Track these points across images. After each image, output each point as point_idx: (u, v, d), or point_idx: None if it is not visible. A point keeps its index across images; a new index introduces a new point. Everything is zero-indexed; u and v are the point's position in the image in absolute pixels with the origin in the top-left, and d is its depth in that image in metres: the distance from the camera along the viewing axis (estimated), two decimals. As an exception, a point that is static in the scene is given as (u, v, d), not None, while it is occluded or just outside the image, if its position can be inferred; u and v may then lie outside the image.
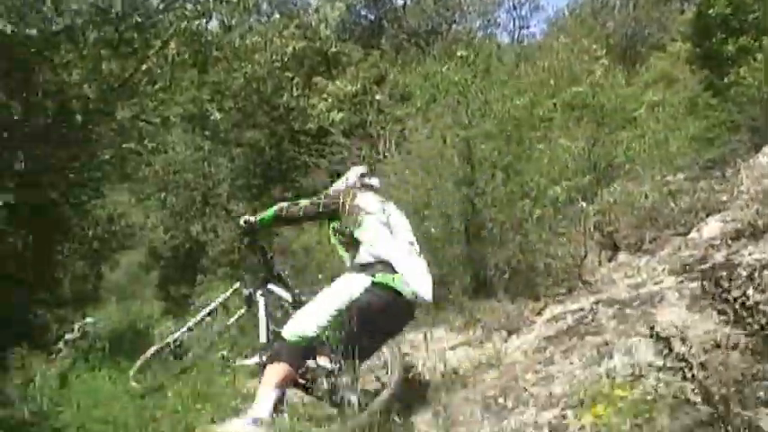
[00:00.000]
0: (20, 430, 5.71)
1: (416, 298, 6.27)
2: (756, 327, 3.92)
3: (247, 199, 20.42)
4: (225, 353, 7.86)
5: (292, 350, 5.90)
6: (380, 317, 6.01)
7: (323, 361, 6.02)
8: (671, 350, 3.69)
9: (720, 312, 4.03)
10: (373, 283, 6.07)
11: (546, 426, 6.19)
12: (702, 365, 3.96)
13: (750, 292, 3.96)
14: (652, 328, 3.92)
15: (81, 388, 6.68)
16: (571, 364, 7.15)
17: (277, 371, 5.86)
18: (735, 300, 3.90)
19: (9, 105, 9.50)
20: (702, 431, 3.72)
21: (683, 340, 3.82)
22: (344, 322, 5.75)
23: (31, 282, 10.51)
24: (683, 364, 3.66)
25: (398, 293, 6.13)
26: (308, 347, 5.89)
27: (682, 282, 7.70)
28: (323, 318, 5.86)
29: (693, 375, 3.62)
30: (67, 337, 11.46)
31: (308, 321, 5.92)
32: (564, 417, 6.45)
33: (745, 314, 3.88)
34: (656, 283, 8.11)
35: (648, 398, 5.27)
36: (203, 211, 21.86)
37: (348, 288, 6.04)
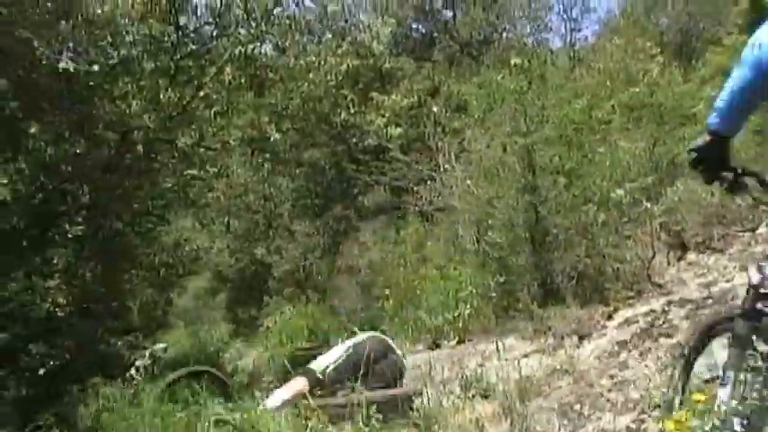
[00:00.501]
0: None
1: None
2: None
3: (309, 218, 20.51)
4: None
5: None
6: None
7: None
8: (755, 349, 3.57)
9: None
10: None
11: (624, 431, 6.14)
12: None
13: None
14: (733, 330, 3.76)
15: (155, 414, 6.72)
16: (646, 367, 7.08)
17: None
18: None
19: (73, 139, 9.63)
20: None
21: (766, 340, 3.71)
22: None
23: (101, 311, 10.62)
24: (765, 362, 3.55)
25: None
26: None
27: (754, 277, 7.60)
28: None
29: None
30: (138, 363, 11.57)
31: None
32: (642, 421, 6.39)
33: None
34: (727, 281, 8.02)
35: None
36: (267, 232, 21.98)
37: None
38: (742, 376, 4.10)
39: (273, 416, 6.84)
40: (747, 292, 4.30)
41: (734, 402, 4.05)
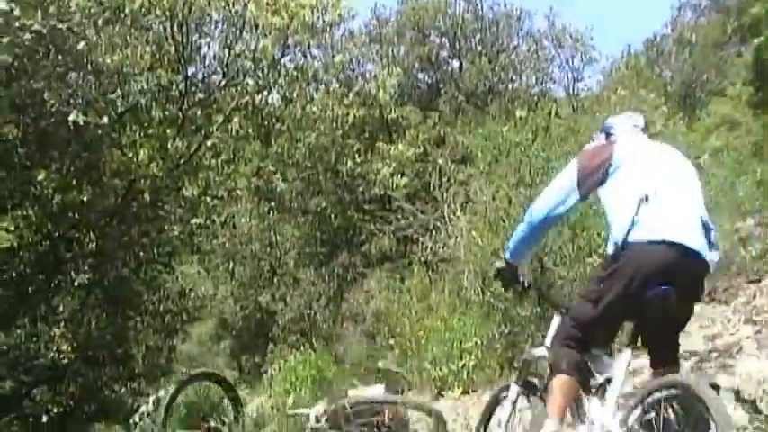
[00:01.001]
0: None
1: None
2: None
3: (315, 266, 20.52)
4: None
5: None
6: None
7: None
8: (758, 411, 3.61)
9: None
10: None
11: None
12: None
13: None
14: (738, 393, 3.79)
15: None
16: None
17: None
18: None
19: (80, 187, 9.68)
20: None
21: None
22: None
23: (105, 358, 10.64)
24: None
25: None
26: None
27: (759, 331, 7.61)
28: None
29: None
30: (142, 410, 11.56)
31: None
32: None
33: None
34: (731, 334, 8.02)
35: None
36: (272, 280, 21.98)
37: None
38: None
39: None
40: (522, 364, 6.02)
41: None
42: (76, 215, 9.76)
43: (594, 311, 5.19)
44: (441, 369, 10.85)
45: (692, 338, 8.40)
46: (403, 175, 17.79)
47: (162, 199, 10.71)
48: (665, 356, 5.44)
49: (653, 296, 4.95)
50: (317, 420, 7.56)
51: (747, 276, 9.45)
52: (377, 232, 18.10)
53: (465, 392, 10.44)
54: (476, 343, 10.68)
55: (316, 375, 13.03)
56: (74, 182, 9.73)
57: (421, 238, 15.13)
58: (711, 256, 5.05)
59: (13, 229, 9.24)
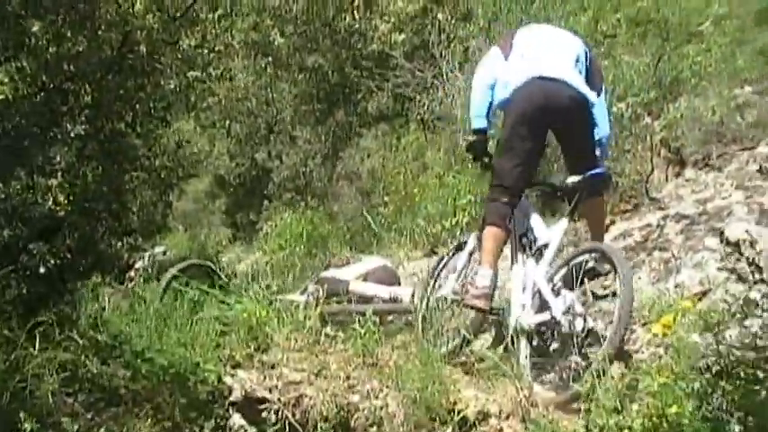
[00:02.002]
0: (99, 355, 5.85)
1: None
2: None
3: (311, 124, 20.43)
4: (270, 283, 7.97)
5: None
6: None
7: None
8: (741, 254, 3.71)
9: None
10: None
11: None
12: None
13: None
14: (722, 233, 3.92)
15: (155, 313, 6.83)
16: (639, 279, 7.19)
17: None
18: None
19: (74, 39, 9.58)
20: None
21: (752, 244, 3.83)
22: None
23: (102, 212, 10.67)
24: (753, 268, 3.68)
25: None
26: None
27: (750, 196, 7.67)
28: None
29: (762, 279, 3.64)
30: (138, 265, 11.65)
31: None
32: (632, 331, 6.51)
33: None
34: (723, 198, 8.09)
35: (716, 309, 5.30)
36: (268, 137, 21.88)
37: None
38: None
39: (272, 312, 7.01)
40: None
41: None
42: (72, 67, 9.65)
43: (505, 159, 6.80)
44: (434, 226, 10.95)
45: (684, 202, 8.48)
46: (402, 31, 17.60)
47: (158, 51, 10.58)
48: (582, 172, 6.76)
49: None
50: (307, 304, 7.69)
51: (741, 143, 9.48)
52: (374, 90, 17.99)
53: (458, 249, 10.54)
54: (469, 200, 10.77)
55: (311, 232, 13.11)
56: (68, 33, 9.61)
57: (418, 97, 15.08)
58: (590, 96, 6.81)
59: (7, 81, 9.15)
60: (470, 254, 7.34)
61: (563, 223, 6.85)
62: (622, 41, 11.97)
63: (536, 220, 6.95)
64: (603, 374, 4.99)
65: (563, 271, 6.41)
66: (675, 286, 6.84)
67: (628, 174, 9.92)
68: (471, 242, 7.39)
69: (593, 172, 6.72)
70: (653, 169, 9.76)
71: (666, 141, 10.08)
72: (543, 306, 6.30)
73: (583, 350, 5.86)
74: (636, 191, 9.66)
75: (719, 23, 12.90)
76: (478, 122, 7.23)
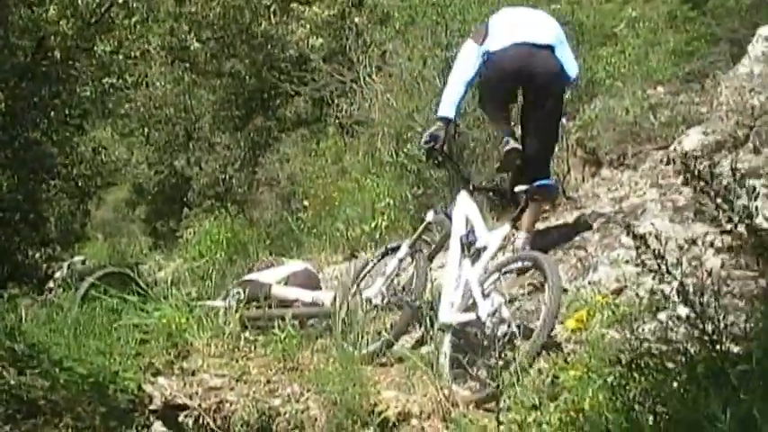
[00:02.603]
0: (16, 366, 5.76)
1: None
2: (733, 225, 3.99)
3: (230, 130, 20.35)
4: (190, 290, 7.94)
5: None
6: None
7: None
8: (647, 246, 3.77)
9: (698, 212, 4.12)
10: None
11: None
12: (678, 262, 4.05)
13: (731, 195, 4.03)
14: (628, 226, 4.00)
15: (74, 321, 6.75)
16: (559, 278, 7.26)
17: None
18: (716, 202, 3.96)
19: (-14, 45, 9.47)
20: (681, 330, 3.81)
21: (657, 238, 3.91)
22: None
23: (18, 221, 10.54)
24: (660, 260, 3.75)
25: None
26: None
27: (664, 194, 7.81)
28: None
29: (669, 271, 3.70)
30: (57, 275, 11.51)
31: None
32: (552, 328, 6.59)
33: (724, 214, 3.95)
34: (638, 197, 8.23)
35: (630, 305, 5.40)
36: (187, 144, 21.77)
37: None
38: None
39: (192, 318, 6.97)
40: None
41: None
42: (-17, 75, 9.53)
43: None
44: (354, 230, 10.96)
45: (599, 201, 8.60)
46: (319, 36, 17.63)
47: (73, 57, 10.50)
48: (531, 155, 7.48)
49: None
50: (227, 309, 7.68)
51: (655, 143, 9.63)
52: (293, 94, 17.99)
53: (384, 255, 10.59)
54: (389, 203, 10.79)
55: (231, 238, 13.06)
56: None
57: (336, 101, 15.11)
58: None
59: None
60: (400, 260, 7.45)
61: (505, 228, 6.97)
62: (539, 44, 12.10)
63: (478, 222, 7.00)
64: (523, 372, 5.04)
65: (495, 275, 6.52)
66: (591, 283, 6.94)
67: (546, 174, 10.04)
68: (404, 249, 7.49)
69: (542, 183, 7.11)
70: (569, 169, 9.89)
71: (582, 141, 10.19)
72: (471, 306, 6.36)
73: (503, 353, 5.91)
74: (553, 191, 9.79)
75: (633, 26, 13.11)
76: (445, 110, 7.49)
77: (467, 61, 7.49)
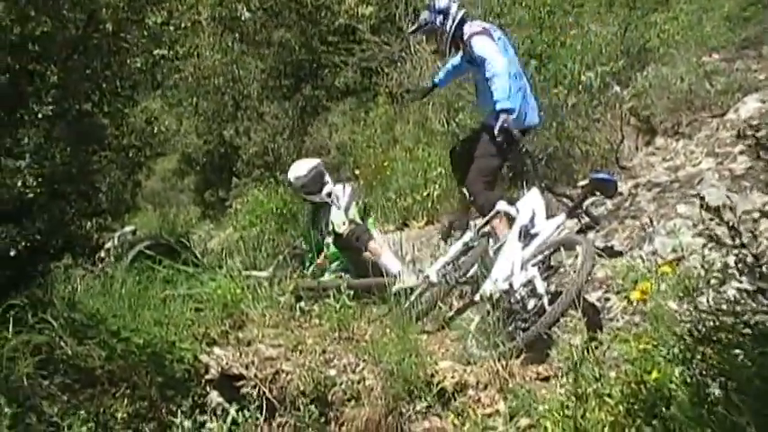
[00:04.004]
0: (75, 336, 5.81)
1: None
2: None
3: (278, 100, 20.30)
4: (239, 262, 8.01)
5: None
6: None
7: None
8: (721, 220, 3.68)
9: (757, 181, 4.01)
10: None
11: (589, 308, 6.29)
12: (752, 233, 3.97)
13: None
14: (702, 198, 3.90)
15: (129, 292, 6.78)
16: (612, 248, 7.22)
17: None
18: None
19: (39, 18, 9.48)
20: (744, 301, 3.75)
21: (732, 209, 3.81)
22: None
23: (71, 193, 10.59)
24: (733, 232, 3.66)
25: None
26: None
27: (721, 163, 7.70)
28: None
29: (743, 243, 3.62)
30: (108, 245, 11.57)
31: None
32: (607, 299, 6.55)
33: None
34: (693, 166, 8.12)
35: (692, 275, 5.33)
36: (235, 114, 21.74)
37: None
38: None
39: (247, 288, 7.02)
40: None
41: None
42: (37, 47, 9.55)
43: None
44: (405, 199, 10.94)
45: (655, 171, 8.50)
46: (368, 4, 17.51)
47: (124, 29, 10.48)
48: None
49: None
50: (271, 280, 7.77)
51: (711, 111, 9.51)
52: (341, 65, 17.92)
53: (429, 222, 10.58)
54: (440, 173, 10.77)
55: (281, 207, 13.05)
56: (32, 13, 9.50)
57: (386, 70, 15.04)
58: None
59: (-29, 61, 9.05)
60: (465, 243, 7.72)
61: (560, 218, 7.31)
62: (590, 11, 12.00)
63: (541, 215, 7.41)
64: (584, 344, 5.01)
65: (540, 256, 6.86)
66: (648, 253, 6.88)
67: (598, 143, 9.95)
68: (468, 234, 7.77)
69: (601, 176, 7.40)
70: (623, 138, 9.79)
71: (636, 110, 10.11)
72: (509, 277, 6.70)
73: (529, 319, 6.27)
74: (606, 160, 9.70)
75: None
76: (506, 103, 8.14)
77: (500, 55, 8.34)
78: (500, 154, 8.40)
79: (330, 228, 9.05)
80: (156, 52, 11.53)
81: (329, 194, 9.24)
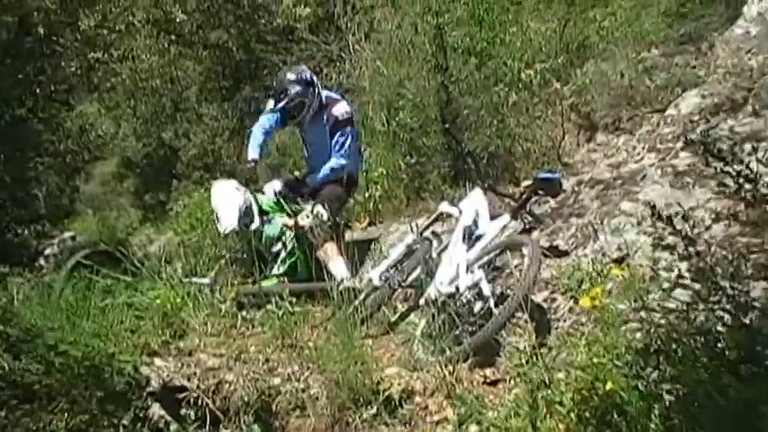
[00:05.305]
0: (11, 351, 5.65)
1: None
2: (754, 197, 3.85)
3: (217, 101, 20.17)
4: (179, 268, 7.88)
5: None
6: None
7: None
8: (675, 229, 3.62)
9: (720, 185, 3.93)
10: None
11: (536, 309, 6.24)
12: (705, 241, 3.93)
13: (753, 162, 3.88)
14: (653, 207, 3.82)
15: (67, 302, 6.62)
16: (556, 248, 7.17)
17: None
18: (737, 171, 3.80)
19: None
20: (696, 308, 3.70)
21: (686, 218, 3.75)
22: None
23: (6, 200, 10.42)
24: (687, 241, 3.60)
25: None
26: None
27: (663, 159, 7.69)
28: None
29: (697, 252, 3.56)
30: (47, 252, 11.39)
31: None
32: (554, 300, 6.50)
33: (746, 185, 3.79)
34: (636, 162, 8.11)
35: (641, 276, 5.29)
36: (174, 116, 21.57)
37: None
38: None
39: (187, 296, 6.91)
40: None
41: None
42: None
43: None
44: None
45: (597, 167, 8.49)
46: (306, 4, 17.43)
47: (57, 33, 10.34)
48: None
49: None
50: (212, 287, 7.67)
51: (651, 106, 9.53)
52: (280, 64, 17.80)
53: (371, 223, 10.51)
54: (381, 173, 10.70)
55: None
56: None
57: (325, 70, 14.95)
58: None
59: None
60: (408, 246, 7.70)
61: (503, 219, 7.21)
62: (528, 7, 12.00)
63: (484, 216, 7.29)
64: (532, 349, 4.96)
65: (485, 258, 6.73)
66: (593, 251, 6.84)
67: (539, 140, 9.95)
68: (411, 236, 7.73)
69: (546, 176, 7.30)
70: (564, 135, 9.80)
71: (576, 106, 10.12)
72: (454, 280, 6.55)
73: (475, 323, 6.15)
74: (548, 157, 9.70)
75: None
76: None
77: None
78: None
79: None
80: (90, 56, 11.38)
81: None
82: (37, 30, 9.92)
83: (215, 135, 19.74)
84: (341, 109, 8.93)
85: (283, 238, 8.75)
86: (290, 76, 8.90)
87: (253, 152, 9.10)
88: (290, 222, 8.62)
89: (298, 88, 8.78)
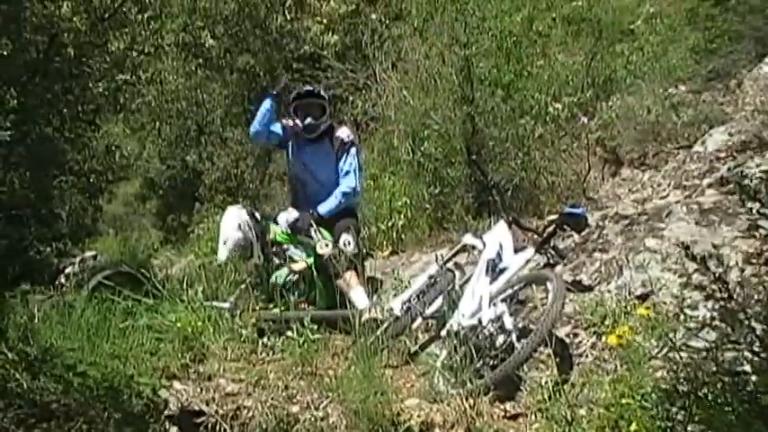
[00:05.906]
0: (29, 370, 5.64)
1: None
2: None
3: (242, 125, 20.20)
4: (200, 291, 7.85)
5: None
6: None
7: None
8: (707, 268, 3.56)
9: (752, 226, 3.87)
10: None
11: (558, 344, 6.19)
12: (739, 283, 3.88)
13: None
14: (687, 248, 3.75)
15: (87, 323, 6.61)
16: (580, 282, 7.13)
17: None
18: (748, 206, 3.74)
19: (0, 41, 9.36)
20: (725, 348, 3.65)
21: (719, 259, 3.69)
22: None
23: (30, 218, 10.45)
24: (719, 282, 3.54)
25: None
26: None
27: (689, 196, 7.64)
28: None
29: (730, 296, 3.50)
30: (68, 271, 11.40)
31: None
32: (576, 335, 6.45)
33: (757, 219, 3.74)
34: (661, 198, 8.06)
35: (666, 315, 5.24)
36: (198, 139, 21.63)
37: None
38: None
39: (208, 320, 6.89)
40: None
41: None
42: (-3, 70, 9.44)
43: None
44: (370, 228, 10.85)
45: (622, 203, 8.44)
46: (334, 32, 17.49)
47: (86, 54, 10.40)
48: None
49: None
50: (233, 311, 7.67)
51: (677, 142, 9.50)
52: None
53: (394, 252, 10.48)
54: (405, 202, 10.69)
55: (243, 235, 12.89)
56: (-7, 35, 9.38)
57: (351, 97, 14.97)
58: None
59: (-71, 84, 8.91)
60: (431, 277, 7.66)
61: (528, 252, 7.17)
62: (556, 40, 11.99)
63: (508, 249, 7.25)
64: (555, 386, 4.92)
65: (509, 291, 6.73)
66: (620, 288, 6.79)
67: (564, 173, 9.92)
68: (434, 267, 7.65)
69: (571, 211, 7.27)
70: (589, 169, 9.77)
71: (602, 141, 10.10)
72: (476, 313, 6.59)
73: (498, 356, 6.10)
74: (573, 191, 9.67)
75: (651, 22, 12.96)
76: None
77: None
78: None
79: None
80: (118, 77, 11.44)
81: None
82: (67, 50, 9.97)
83: (238, 159, 19.79)
84: (345, 132, 8.94)
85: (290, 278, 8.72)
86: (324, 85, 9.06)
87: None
88: (297, 267, 8.60)
89: (326, 96, 9.01)
